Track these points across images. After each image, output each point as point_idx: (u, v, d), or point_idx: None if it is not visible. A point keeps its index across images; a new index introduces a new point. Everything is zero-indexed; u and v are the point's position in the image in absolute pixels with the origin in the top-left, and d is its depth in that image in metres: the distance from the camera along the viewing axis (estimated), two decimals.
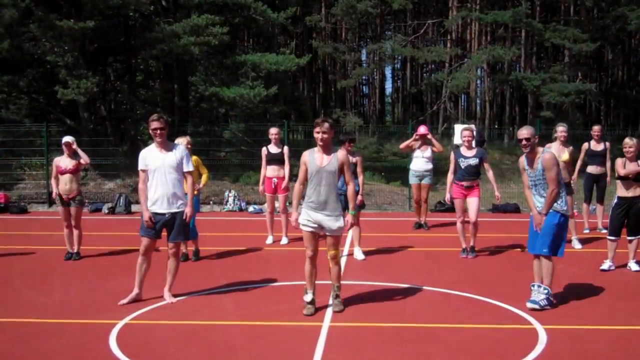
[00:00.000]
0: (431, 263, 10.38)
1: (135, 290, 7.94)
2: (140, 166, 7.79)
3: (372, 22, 43.97)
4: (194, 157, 10.52)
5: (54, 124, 22.98)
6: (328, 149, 7.26)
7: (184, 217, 7.82)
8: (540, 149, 7.61)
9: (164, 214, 7.77)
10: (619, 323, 7.02)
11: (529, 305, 7.45)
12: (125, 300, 7.82)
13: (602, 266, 9.66)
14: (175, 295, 8.03)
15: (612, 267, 9.69)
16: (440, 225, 14.36)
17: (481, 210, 14.99)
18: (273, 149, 11.85)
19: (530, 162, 7.59)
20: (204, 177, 10.78)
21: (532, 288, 7.72)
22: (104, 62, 26.78)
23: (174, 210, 7.80)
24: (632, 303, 7.83)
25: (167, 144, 7.86)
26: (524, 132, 7.52)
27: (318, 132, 7.19)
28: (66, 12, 22.13)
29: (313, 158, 7.25)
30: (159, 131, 7.70)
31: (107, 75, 27.67)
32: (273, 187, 11.84)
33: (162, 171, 7.71)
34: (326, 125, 7.19)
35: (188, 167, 7.91)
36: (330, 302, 7.58)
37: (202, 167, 10.73)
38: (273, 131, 11.93)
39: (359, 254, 10.66)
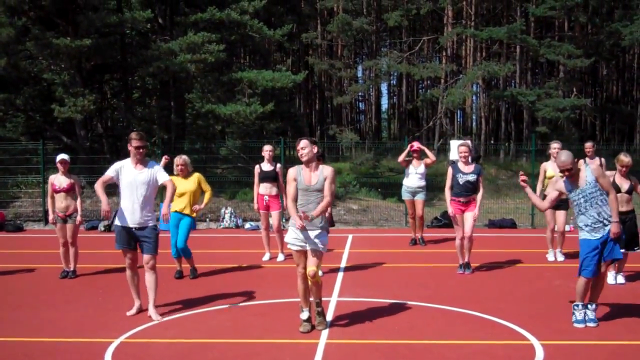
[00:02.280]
0: (428, 279, 10.37)
1: (136, 303, 8.22)
2: (110, 172, 8.00)
3: (367, 39, 44.21)
4: (197, 175, 10.53)
5: (50, 141, 23.02)
6: (312, 165, 7.29)
7: (162, 218, 7.92)
8: (581, 169, 7.53)
9: (131, 228, 7.95)
10: (615, 338, 7.01)
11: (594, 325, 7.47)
12: (132, 312, 8.13)
13: (608, 280, 9.72)
14: (167, 313, 8.04)
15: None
16: (437, 242, 14.36)
17: (478, 225, 15.03)
18: (266, 166, 11.81)
19: (572, 183, 7.42)
20: (207, 195, 10.70)
21: (589, 307, 7.58)
22: (100, 80, 26.89)
23: (142, 225, 7.95)
24: (627, 318, 7.83)
25: (143, 161, 8.06)
26: (564, 162, 7.31)
27: (298, 150, 7.25)
28: (63, 30, 22.25)
29: (302, 176, 7.27)
30: (141, 150, 7.93)
31: (104, 93, 27.77)
32: (265, 204, 11.79)
33: (134, 187, 7.92)
34: (305, 142, 7.24)
35: (163, 178, 8.05)
36: (316, 320, 7.52)
37: (205, 184, 10.67)
38: (267, 148, 11.85)
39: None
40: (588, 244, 7.41)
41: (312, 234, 7.23)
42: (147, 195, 7.95)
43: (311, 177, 7.23)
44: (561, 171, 7.36)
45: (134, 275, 8.19)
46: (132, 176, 7.92)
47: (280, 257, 12.02)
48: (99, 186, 7.99)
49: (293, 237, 7.32)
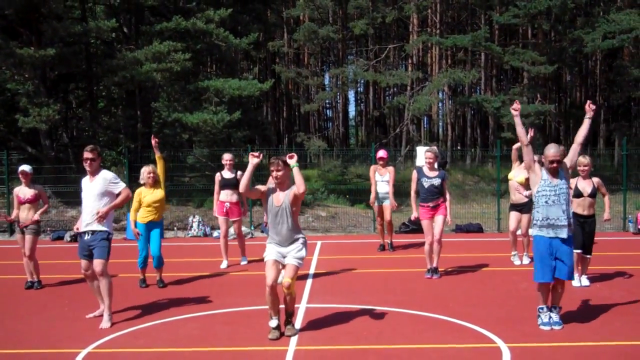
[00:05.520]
0: (396, 284, 10.42)
1: (101, 306, 8.35)
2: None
3: (334, 47, 44.32)
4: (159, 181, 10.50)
5: (14, 152, 22.71)
6: (284, 185, 7.38)
7: (96, 214, 8.03)
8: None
9: (85, 234, 8.13)
10: (580, 340, 7.12)
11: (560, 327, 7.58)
12: (94, 314, 8.43)
13: (572, 282, 9.84)
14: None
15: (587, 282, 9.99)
16: (405, 247, 14.44)
17: (445, 230, 15.14)
18: (227, 174, 11.96)
19: (552, 175, 7.50)
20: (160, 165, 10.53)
21: (553, 310, 7.69)
22: (65, 90, 26.61)
23: (93, 228, 8.08)
24: (591, 320, 7.95)
25: (96, 172, 8.20)
26: (555, 154, 7.41)
27: (272, 171, 7.32)
28: (26, 40, 21.99)
29: (272, 198, 7.39)
30: (88, 161, 8.12)
31: (69, 103, 27.47)
32: (225, 210, 11.91)
33: (87, 197, 8.17)
34: (278, 162, 7.30)
35: (117, 188, 8.21)
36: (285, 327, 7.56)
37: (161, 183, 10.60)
38: (227, 157, 12.07)
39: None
40: (542, 244, 7.52)
41: (290, 248, 7.31)
42: (99, 206, 8.13)
43: (279, 198, 7.34)
44: (551, 162, 7.41)
45: (93, 281, 8.43)
46: (87, 188, 8.24)
47: (244, 261, 12.21)
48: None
49: (271, 251, 7.40)
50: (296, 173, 7.21)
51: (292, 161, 7.29)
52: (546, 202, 7.46)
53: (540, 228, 7.54)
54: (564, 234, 7.47)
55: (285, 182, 7.39)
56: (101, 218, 8.04)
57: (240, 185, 7.42)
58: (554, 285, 7.66)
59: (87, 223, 8.08)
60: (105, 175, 8.18)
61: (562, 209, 7.44)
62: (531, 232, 7.83)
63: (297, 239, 7.39)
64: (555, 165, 7.40)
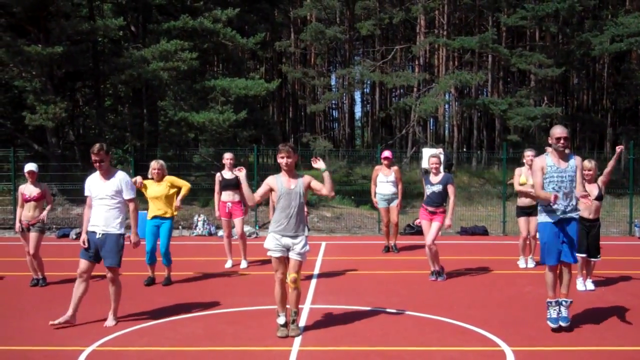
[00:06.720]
0: (400, 286, 10.41)
1: (69, 312, 7.99)
2: (86, 192, 8.10)
3: (341, 48, 44.39)
4: (167, 177, 10.49)
5: (21, 149, 22.80)
6: (292, 172, 7.36)
7: (130, 243, 7.99)
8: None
9: (95, 233, 7.94)
10: (585, 344, 7.10)
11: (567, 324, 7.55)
12: (58, 320, 7.89)
13: (577, 286, 9.79)
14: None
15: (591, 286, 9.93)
16: (410, 248, 14.42)
17: (450, 233, 15.14)
18: (227, 174, 11.88)
19: (559, 158, 7.48)
20: (184, 190, 10.61)
21: (563, 304, 7.59)
22: (72, 87, 26.72)
23: (106, 231, 7.93)
24: (596, 324, 7.92)
25: (109, 172, 8.04)
26: (562, 131, 7.39)
27: (282, 158, 7.27)
28: (34, 38, 22.07)
29: (280, 181, 7.30)
30: (97, 164, 7.92)
31: (76, 100, 27.59)
32: (227, 211, 11.87)
33: (102, 198, 7.95)
34: (288, 149, 7.31)
35: (128, 194, 8.05)
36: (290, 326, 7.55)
37: (178, 182, 10.62)
38: (227, 156, 12.02)
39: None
40: (548, 229, 7.49)
41: (295, 242, 7.28)
42: (116, 206, 8.00)
43: (290, 182, 7.32)
44: (558, 139, 7.36)
45: (82, 284, 8.09)
46: (99, 188, 7.98)
47: (244, 264, 12.07)
48: (85, 214, 8.19)
49: (274, 243, 7.34)
50: (327, 178, 7.28)
51: (321, 165, 7.40)
52: (553, 188, 7.42)
53: (547, 213, 7.51)
54: (575, 213, 7.48)
55: (293, 170, 7.41)
56: (135, 245, 8.06)
57: (248, 202, 7.36)
58: (560, 272, 7.61)
59: (101, 225, 7.91)
60: (123, 177, 8.04)
61: (570, 195, 7.41)
62: (538, 218, 7.77)
63: (302, 229, 7.37)
64: (563, 142, 7.37)
